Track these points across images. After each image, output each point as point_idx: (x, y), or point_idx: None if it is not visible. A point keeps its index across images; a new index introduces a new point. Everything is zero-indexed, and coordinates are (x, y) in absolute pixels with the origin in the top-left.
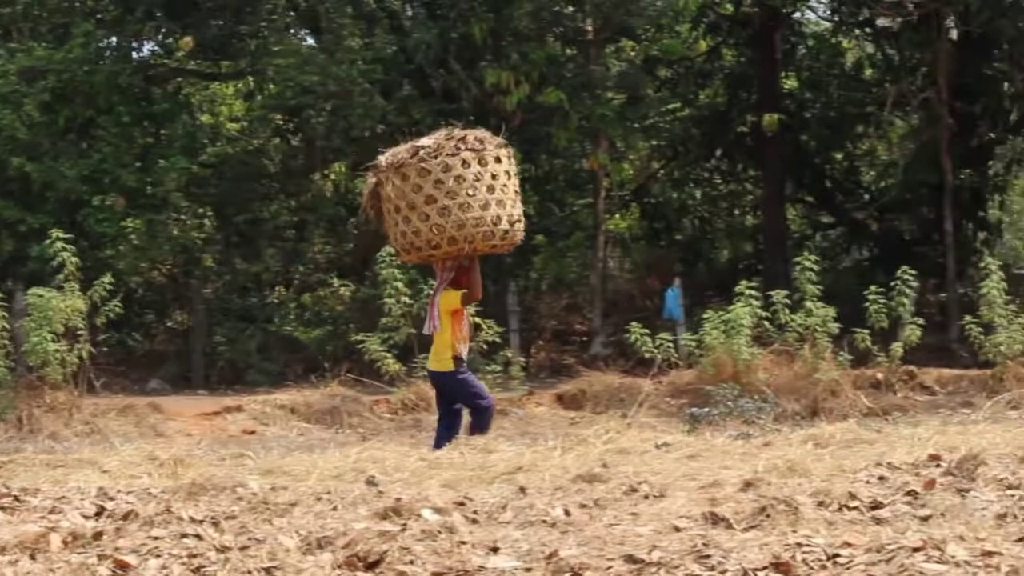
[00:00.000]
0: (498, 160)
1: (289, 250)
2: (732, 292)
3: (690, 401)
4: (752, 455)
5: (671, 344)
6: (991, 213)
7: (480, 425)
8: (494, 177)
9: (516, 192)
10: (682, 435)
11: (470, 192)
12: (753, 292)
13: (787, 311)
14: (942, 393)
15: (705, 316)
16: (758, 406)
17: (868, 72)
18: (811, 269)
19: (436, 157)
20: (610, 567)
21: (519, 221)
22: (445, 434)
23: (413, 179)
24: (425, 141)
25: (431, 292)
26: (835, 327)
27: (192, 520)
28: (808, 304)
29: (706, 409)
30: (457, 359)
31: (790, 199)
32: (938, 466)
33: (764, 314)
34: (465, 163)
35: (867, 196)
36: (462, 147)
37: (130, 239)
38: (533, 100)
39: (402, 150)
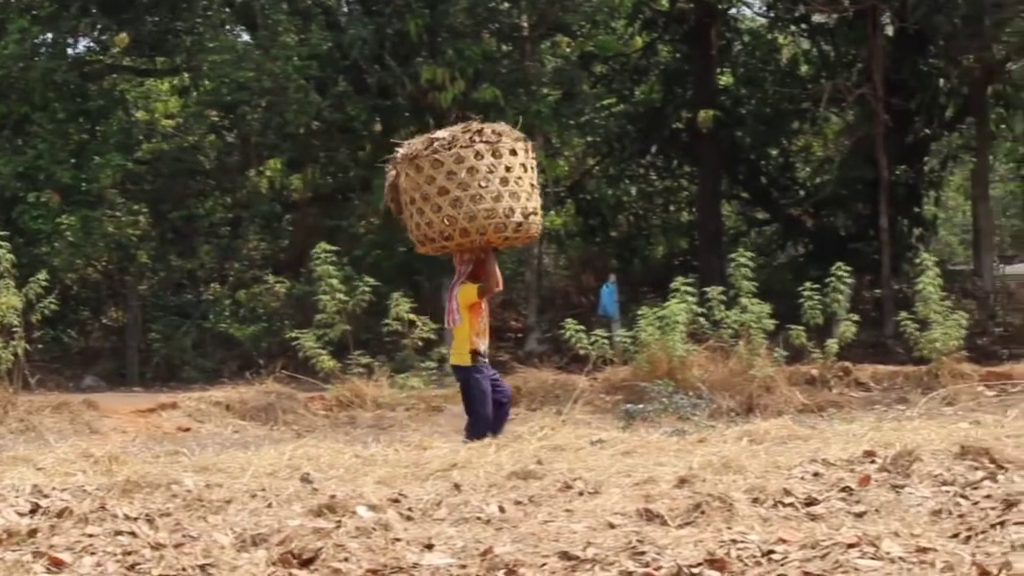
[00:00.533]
0: (514, 152)
1: (224, 247)
2: (667, 288)
3: (625, 397)
4: (687, 451)
5: (606, 340)
6: (926, 209)
7: (476, 431)
8: (508, 169)
9: (532, 185)
10: (617, 431)
11: (482, 184)
12: (688, 288)
13: (722, 307)
14: (877, 389)
15: (640, 312)
16: (693, 402)
17: (804, 68)
18: (746, 265)
19: (450, 149)
20: (545, 564)
21: (534, 214)
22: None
23: (427, 171)
24: (440, 133)
25: (449, 286)
26: (770, 323)
27: (127, 517)
28: (743, 300)
29: (641, 405)
30: (475, 353)
31: (725, 195)
32: (873, 462)
33: (699, 310)
34: (479, 155)
35: (802, 192)
36: (477, 139)
37: (65, 236)
38: (468, 96)
39: (417, 142)
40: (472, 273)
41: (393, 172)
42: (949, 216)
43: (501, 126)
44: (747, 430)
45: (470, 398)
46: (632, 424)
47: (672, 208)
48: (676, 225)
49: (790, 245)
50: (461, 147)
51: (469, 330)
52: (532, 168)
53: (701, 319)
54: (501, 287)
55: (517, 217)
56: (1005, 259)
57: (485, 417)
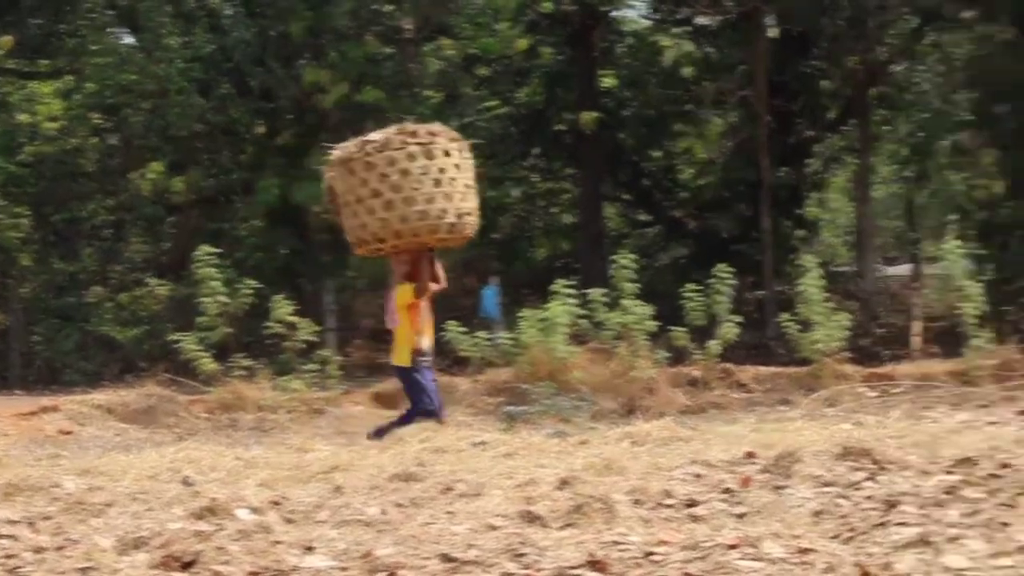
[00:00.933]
0: (447, 153)
1: (106, 249)
2: (549, 290)
3: (507, 399)
4: (568, 453)
5: (488, 343)
6: (809, 211)
7: (407, 422)
8: (441, 171)
9: (467, 186)
10: (499, 433)
11: (415, 186)
12: (570, 291)
13: (604, 309)
14: (759, 390)
15: (522, 315)
16: (575, 404)
17: (687, 70)
18: (628, 267)
19: (382, 151)
20: (426, 566)
21: (469, 214)
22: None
23: (359, 173)
24: (374, 135)
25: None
26: (652, 325)
27: (8, 521)
28: (625, 302)
29: (523, 407)
30: (416, 352)
31: (608, 197)
32: (754, 463)
33: (581, 312)
34: (411, 156)
35: (685, 194)
36: (410, 141)
37: None
38: (351, 99)
39: (351, 144)
40: (408, 274)
41: (330, 174)
42: (832, 218)
43: (436, 127)
44: (629, 431)
45: (414, 398)
46: (514, 426)
47: (555, 210)
48: (558, 227)
49: (672, 247)
50: (393, 149)
51: (409, 330)
52: (467, 168)
53: (583, 321)
54: (443, 285)
55: (450, 218)
56: (887, 260)
57: (426, 410)
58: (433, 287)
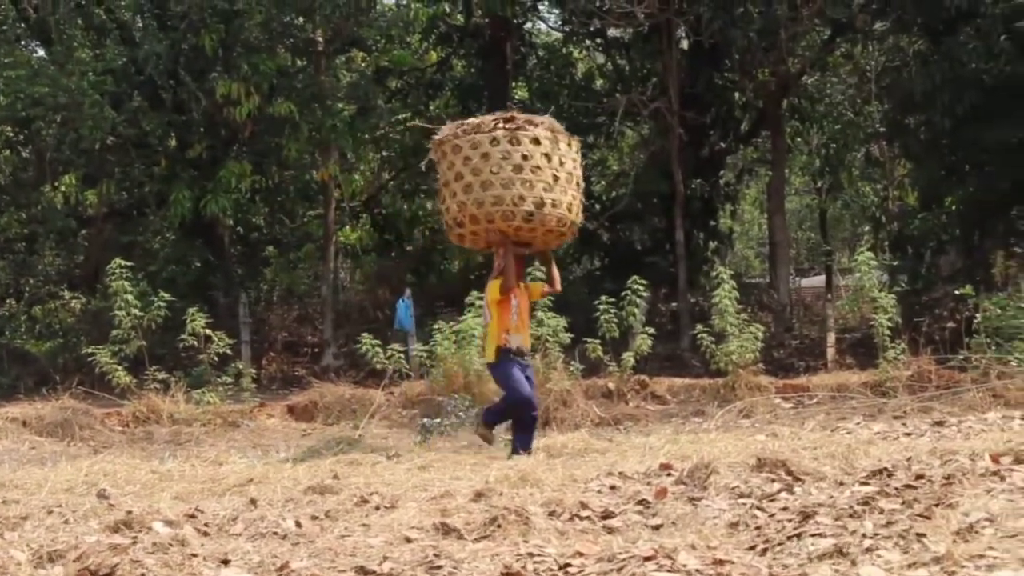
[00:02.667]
0: (536, 142)
1: (20, 262)
2: (463, 303)
3: (421, 412)
4: (483, 465)
5: (402, 355)
6: (722, 223)
7: (500, 412)
8: (525, 158)
9: (557, 178)
10: (414, 446)
11: (494, 170)
12: (484, 302)
13: None
14: (674, 402)
15: (436, 327)
16: None
17: (599, 82)
18: (541, 280)
19: (469, 134)
20: None
21: (554, 206)
22: (520, 439)
23: (449, 156)
24: (472, 120)
25: None
26: (566, 337)
27: None
28: (539, 314)
29: (437, 420)
30: (502, 350)
31: None
32: (669, 475)
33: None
34: (494, 140)
35: (598, 206)
36: (500, 126)
37: None
38: (263, 111)
39: (448, 127)
40: (501, 269)
41: (432, 156)
42: (745, 229)
43: (539, 117)
44: (544, 444)
45: (505, 387)
46: (429, 438)
47: None
48: None
49: (586, 259)
50: (480, 132)
51: (497, 327)
52: (561, 160)
53: None
54: (557, 288)
55: (528, 206)
56: (801, 272)
57: (520, 400)
58: (544, 289)
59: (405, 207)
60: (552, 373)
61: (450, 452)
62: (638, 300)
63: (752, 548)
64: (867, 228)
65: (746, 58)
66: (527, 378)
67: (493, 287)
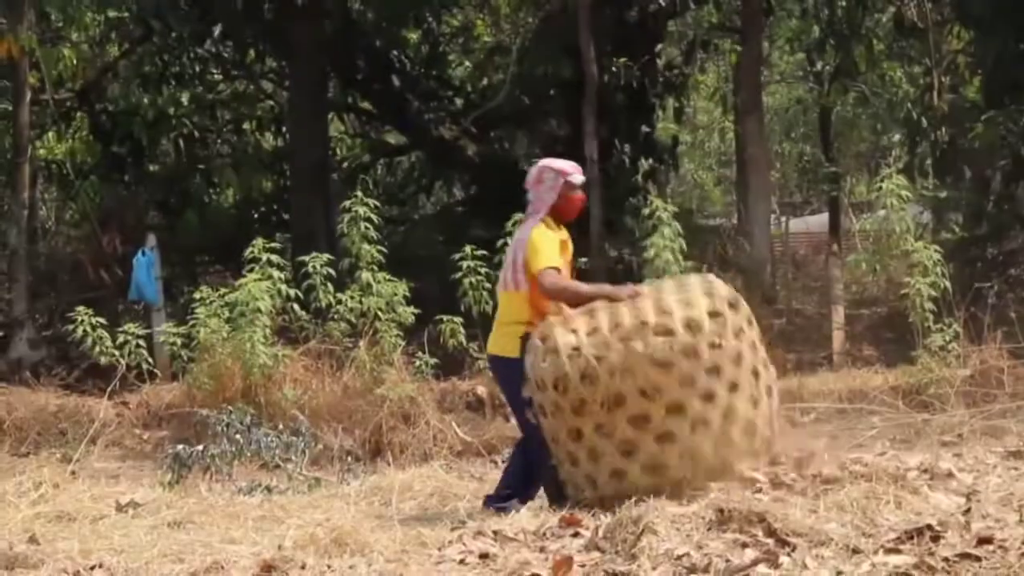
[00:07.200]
0: None
1: None
2: (241, 258)
3: (175, 434)
4: (276, 520)
5: (142, 342)
6: (660, 128)
7: (525, 475)
8: None
9: None
10: (161, 489)
11: None
12: (275, 257)
13: (330, 288)
14: None
15: (198, 296)
16: (286, 441)
17: None
18: (367, 220)
19: None
20: None
21: None
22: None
23: None
24: None
25: None
26: (409, 313)
27: None
28: (365, 276)
29: (200, 447)
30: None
31: (336, 107)
32: (576, 535)
33: (293, 292)
34: None
35: (460, 101)
36: None
37: None
38: None
39: None
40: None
41: None
42: (699, 140)
43: None
44: (376, 485)
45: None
46: (186, 476)
47: (248, 127)
48: (255, 154)
49: (440, 187)
50: None
51: (531, 306)
52: None
53: (296, 307)
54: None
55: None
56: (790, 209)
57: None
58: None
59: (146, 102)
60: (387, 371)
61: (221, 498)
62: None
63: None
64: (897, 137)
65: None
66: None
67: (543, 237)
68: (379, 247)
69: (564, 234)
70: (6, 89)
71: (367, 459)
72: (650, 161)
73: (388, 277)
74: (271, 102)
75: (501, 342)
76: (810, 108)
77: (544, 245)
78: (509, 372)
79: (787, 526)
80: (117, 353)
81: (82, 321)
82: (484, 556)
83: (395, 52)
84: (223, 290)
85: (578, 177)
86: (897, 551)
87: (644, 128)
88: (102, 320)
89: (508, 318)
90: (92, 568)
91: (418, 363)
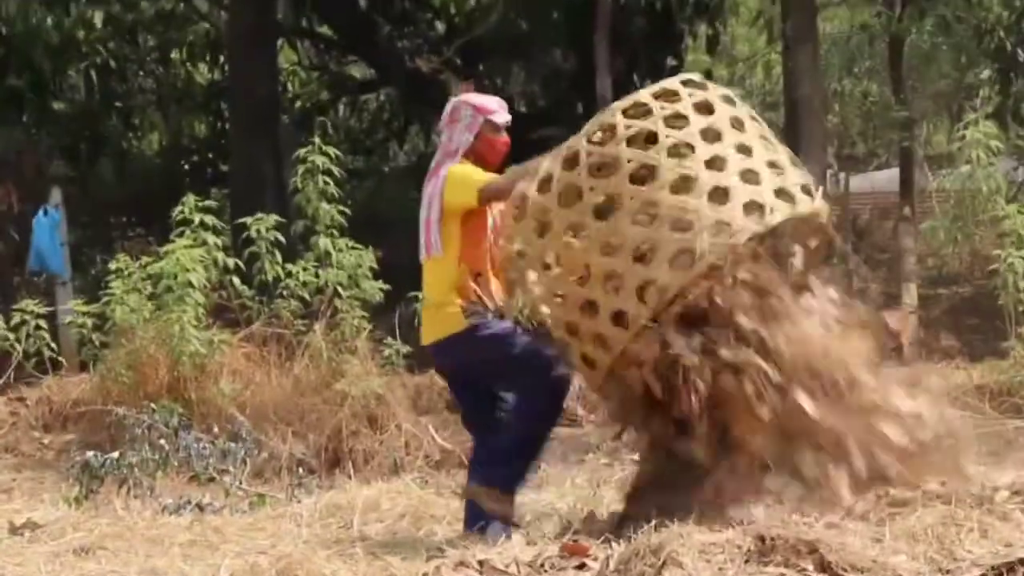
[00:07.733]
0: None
1: None
2: (168, 217)
3: (83, 437)
4: (209, 547)
5: (42, 324)
6: (690, 61)
7: (523, 443)
8: None
9: None
10: (66, 506)
11: None
12: (211, 218)
13: (276, 256)
14: (589, 418)
15: (114, 266)
16: (223, 447)
17: None
18: (326, 173)
19: None
20: None
21: None
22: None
23: None
24: None
25: None
26: (376, 287)
27: None
28: (323, 241)
29: (116, 454)
30: (472, 310)
31: (290, 33)
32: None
33: (232, 262)
34: None
35: (442, 26)
36: None
37: None
38: None
39: None
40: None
41: None
42: (737, 75)
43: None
44: (333, 503)
45: (520, 380)
46: (97, 491)
47: (177, 56)
48: (186, 90)
49: (417, 131)
50: None
51: (459, 266)
52: None
53: (236, 281)
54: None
55: None
56: (851, 163)
57: (558, 389)
58: None
59: (50, 23)
60: (348, 361)
61: (141, 519)
62: None
63: None
64: (986, 74)
65: None
66: None
67: (464, 168)
68: (340, 207)
69: None
70: None
71: (323, 471)
72: None
73: (351, 244)
74: (206, 24)
75: (439, 324)
76: (877, 36)
77: (468, 172)
78: (469, 346)
79: (844, 559)
80: (12, 337)
81: None
82: None
83: None
84: (145, 259)
85: (502, 116)
86: None
87: (670, 61)
88: None
89: (438, 295)
90: None
91: (387, 352)
